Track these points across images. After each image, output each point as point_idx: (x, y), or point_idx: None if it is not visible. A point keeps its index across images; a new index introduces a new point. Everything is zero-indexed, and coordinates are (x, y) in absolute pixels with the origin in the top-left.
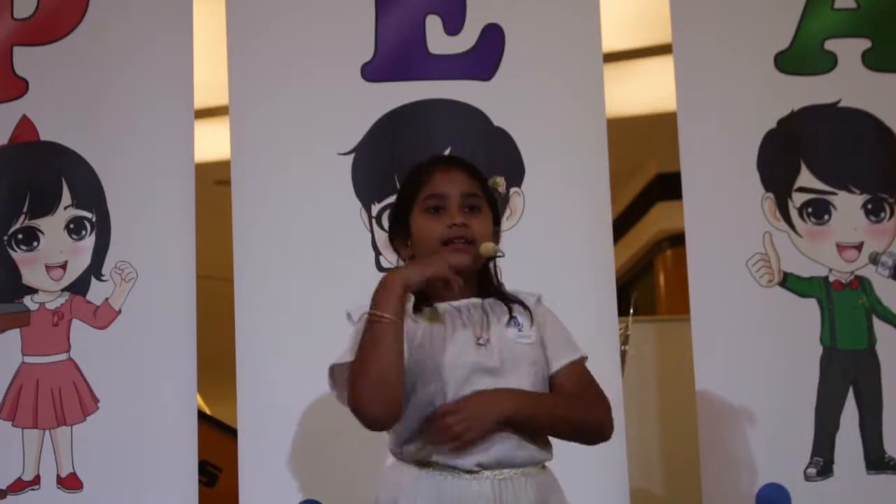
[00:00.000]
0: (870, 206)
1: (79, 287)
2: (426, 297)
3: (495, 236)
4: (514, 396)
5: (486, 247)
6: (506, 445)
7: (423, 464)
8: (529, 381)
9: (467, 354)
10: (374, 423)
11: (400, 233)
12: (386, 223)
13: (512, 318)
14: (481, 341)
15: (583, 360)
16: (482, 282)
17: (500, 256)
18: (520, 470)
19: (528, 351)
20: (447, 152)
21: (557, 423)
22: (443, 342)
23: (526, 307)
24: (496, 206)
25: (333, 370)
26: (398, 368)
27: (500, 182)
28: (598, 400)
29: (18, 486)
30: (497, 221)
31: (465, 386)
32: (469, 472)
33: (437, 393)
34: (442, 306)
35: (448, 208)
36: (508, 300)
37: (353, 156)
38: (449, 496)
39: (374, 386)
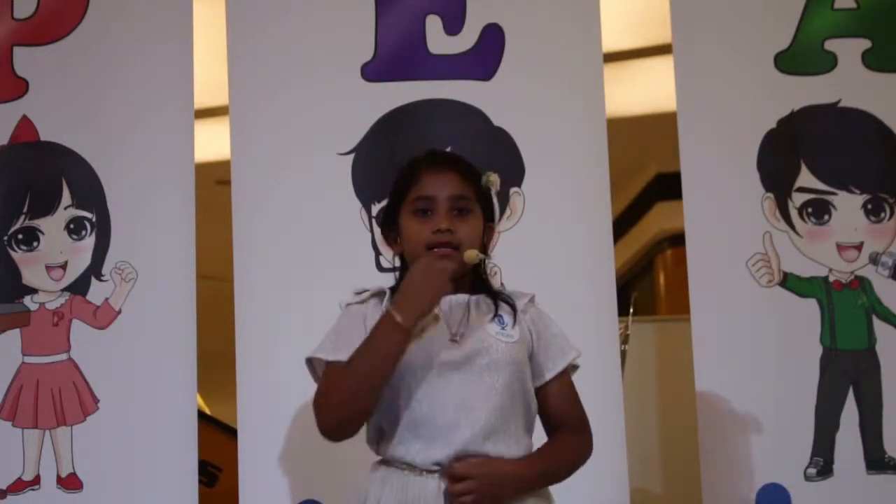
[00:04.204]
0: (870, 206)
1: (79, 287)
2: None
3: (489, 232)
4: (520, 470)
5: (470, 254)
6: (468, 445)
7: (391, 464)
8: (503, 380)
9: (434, 352)
10: (334, 432)
11: (391, 229)
12: None
13: (496, 315)
14: (456, 338)
15: (571, 367)
16: (474, 279)
17: (487, 258)
18: None
19: (508, 349)
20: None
21: (552, 478)
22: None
23: (512, 305)
24: (490, 204)
25: (313, 362)
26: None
27: (494, 180)
28: (583, 427)
29: (18, 486)
30: (491, 218)
31: (431, 384)
32: (429, 470)
33: (403, 391)
34: None
35: (436, 211)
36: (496, 297)
37: (353, 156)
38: (412, 495)
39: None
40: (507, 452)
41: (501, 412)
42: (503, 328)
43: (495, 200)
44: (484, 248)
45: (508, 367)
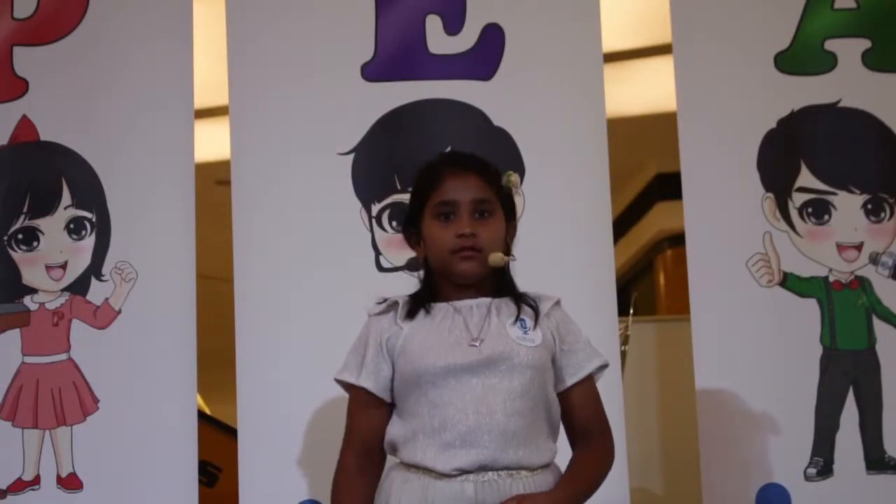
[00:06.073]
0: (870, 206)
1: (79, 287)
2: (434, 295)
3: (511, 230)
4: (550, 499)
5: (495, 257)
6: (489, 449)
7: (411, 467)
8: (522, 384)
9: (454, 357)
10: None
11: (413, 232)
12: (386, 223)
13: (518, 319)
14: (475, 342)
15: (593, 375)
16: (498, 281)
17: (512, 259)
18: (507, 472)
19: (529, 354)
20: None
21: (585, 496)
22: (427, 345)
23: (535, 308)
24: (511, 203)
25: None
26: None
27: (514, 180)
28: (604, 433)
29: (18, 486)
30: (513, 216)
31: (450, 389)
32: (450, 475)
33: (423, 396)
34: (442, 306)
35: (458, 215)
36: (519, 300)
37: (353, 156)
38: (433, 498)
39: None
40: (526, 459)
41: (521, 417)
42: (525, 332)
43: (516, 198)
44: (507, 248)
45: (529, 371)
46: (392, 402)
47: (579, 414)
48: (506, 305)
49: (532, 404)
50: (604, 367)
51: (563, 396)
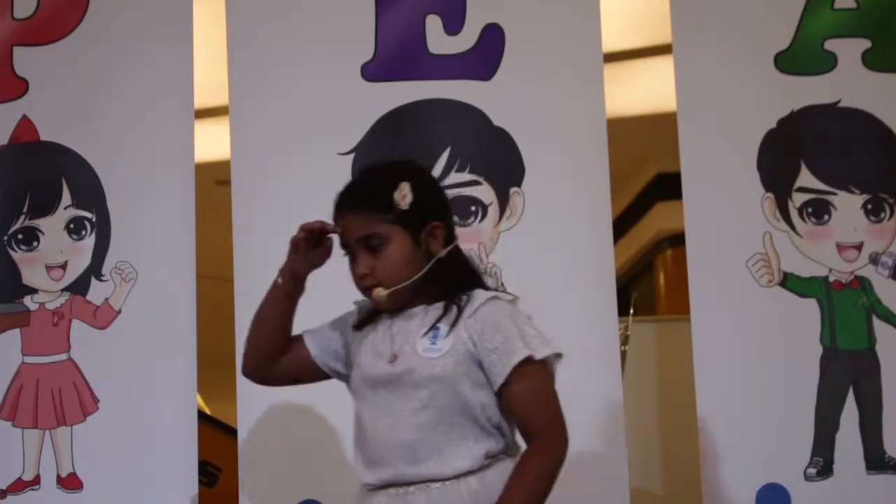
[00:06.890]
0: (870, 206)
1: (79, 287)
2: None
3: (432, 231)
4: None
5: (376, 294)
6: (394, 467)
7: None
8: (425, 397)
9: (368, 371)
10: (245, 369)
11: None
12: None
13: (433, 328)
14: (392, 357)
15: (546, 366)
16: (436, 285)
17: (397, 289)
18: (414, 486)
19: (430, 365)
20: (447, 152)
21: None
22: (358, 360)
23: (460, 311)
24: (416, 213)
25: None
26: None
27: (399, 199)
28: (544, 433)
29: (18, 486)
30: (426, 220)
31: (367, 405)
32: (371, 490)
33: (355, 413)
34: (384, 317)
35: (354, 256)
36: (448, 305)
37: (353, 156)
38: None
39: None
40: (436, 470)
41: (423, 431)
42: (433, 342)
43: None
44: (429, 252)
45: (433, 383)
46: (322, 371)
47: (515, 414)
48: (435, 311)
49: (439, 416)
50: (547, 357)
51: (499, 397)
